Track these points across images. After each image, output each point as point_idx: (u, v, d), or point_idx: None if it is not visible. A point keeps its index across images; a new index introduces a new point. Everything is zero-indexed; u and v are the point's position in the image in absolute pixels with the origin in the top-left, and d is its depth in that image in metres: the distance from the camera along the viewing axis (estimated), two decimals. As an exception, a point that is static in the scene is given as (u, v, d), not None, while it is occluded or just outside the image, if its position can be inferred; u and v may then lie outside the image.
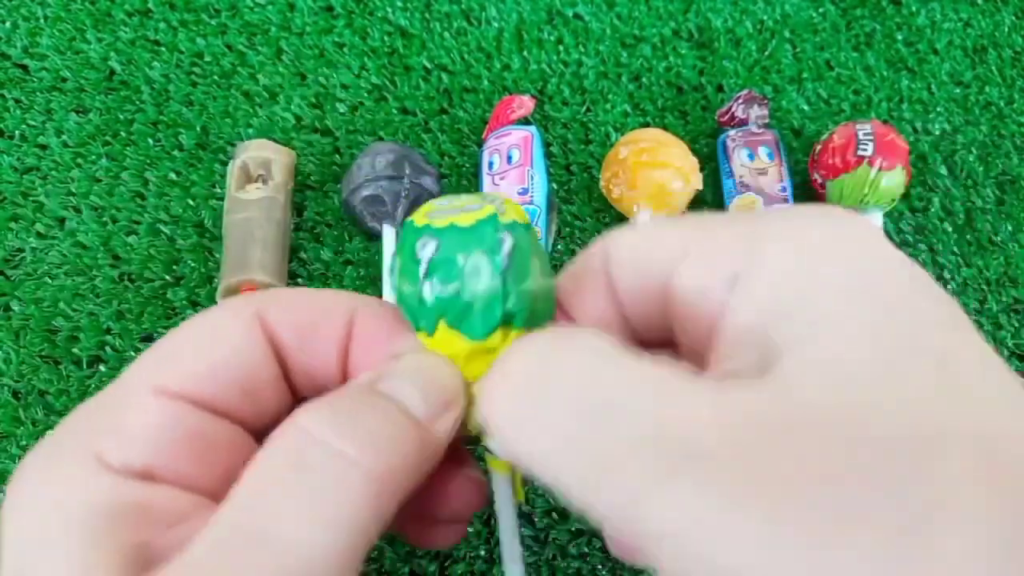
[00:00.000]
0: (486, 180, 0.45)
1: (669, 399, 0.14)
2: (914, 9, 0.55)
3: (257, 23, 0.52)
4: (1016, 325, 0.44)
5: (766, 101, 0.47)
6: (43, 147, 0.47)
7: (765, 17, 0.54)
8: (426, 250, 0.17)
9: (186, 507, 0.16)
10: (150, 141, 0.47)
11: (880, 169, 0.42)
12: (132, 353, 0.41)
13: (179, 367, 0.17)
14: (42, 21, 0.51)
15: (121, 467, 0.16)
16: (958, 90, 0.52)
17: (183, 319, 0.42)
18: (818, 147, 0.45)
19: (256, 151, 0.43)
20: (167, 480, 0.16)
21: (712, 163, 0.48)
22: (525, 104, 0.47)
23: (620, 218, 0.46)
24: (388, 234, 0.42)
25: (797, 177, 0.47)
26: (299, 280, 0.43)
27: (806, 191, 0.46)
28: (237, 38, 0.51)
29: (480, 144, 0.48)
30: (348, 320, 0.18)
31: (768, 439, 0.13)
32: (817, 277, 0.15)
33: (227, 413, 0.17)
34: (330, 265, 0.44)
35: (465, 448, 0.20)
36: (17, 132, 0.47)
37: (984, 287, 0.45)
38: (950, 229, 0.47)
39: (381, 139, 0.48)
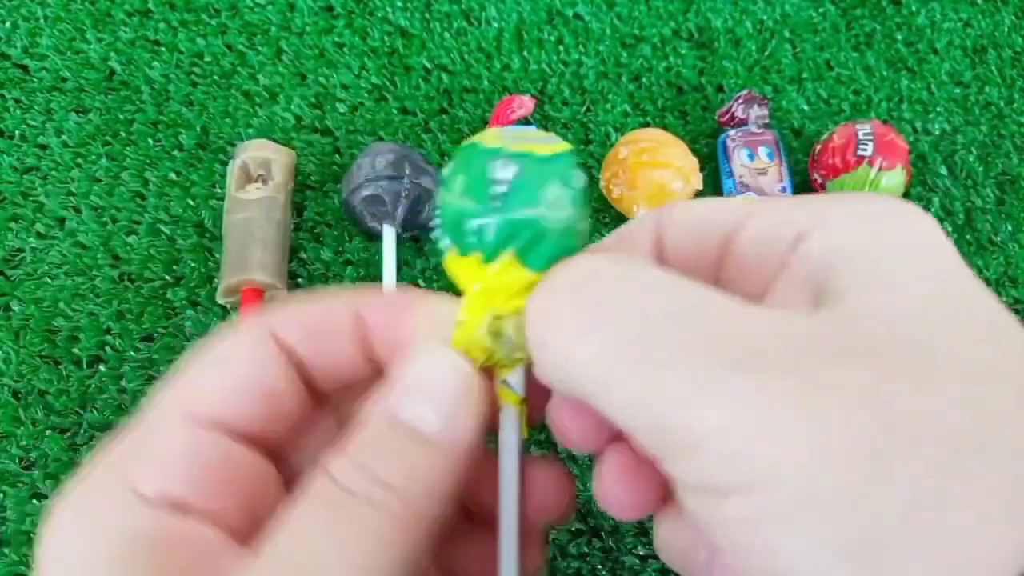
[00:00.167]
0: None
1: (728, 309, 0.14)
2: (914, 9, 0.55)
3: (257, 23, 0.52)
4: (1016, 325, 0.44)
5: (766, 101, 0.47)
6: (43, 147, 0.47)
7: (765, 17, 0.54)
8: (506, 171, 0.17)
9: (212, 541, 0.16)
10: (150, 141, 0.47)
11: (880, 169, 0.42)
12: (132, 353, 0.41)
13: (204, 392, 0.17)
14: (42, 21, 0.51)
15: (156, 498, 0.16)
16: (958, 90, 0.52)
17: (183, 319, 0.42)
18: (818, 147, 0.45)
19: (256, 151, 0.43)
20: (196, 511, 0.16)
21: (712, 163, 0.48)
22: (525, 104, 0.47)
23: (620, 218, 0.46)
24: (388, 234, 0.42)
25: (797, 177, 0.47)
26: (299, 280, 0.43)
27: (806, 191, 0.46)
28: (237, 38, 0.51)
29: (480, 144, 0.48)
30: (353, 312, 0.19)
31: (829, 354, 0.13)
32: (880, 237, 0.15)
33: (252, 433, 0.18)
34: (330, 265, 0.44)
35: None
36: (17, 132, 0.47)
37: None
38: (950, 229, 0.47)
39: (381, 139, 0.48)
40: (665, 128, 0.49)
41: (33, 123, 0.47)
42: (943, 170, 0.49)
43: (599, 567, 0.37)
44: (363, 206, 0.42)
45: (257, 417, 0.18)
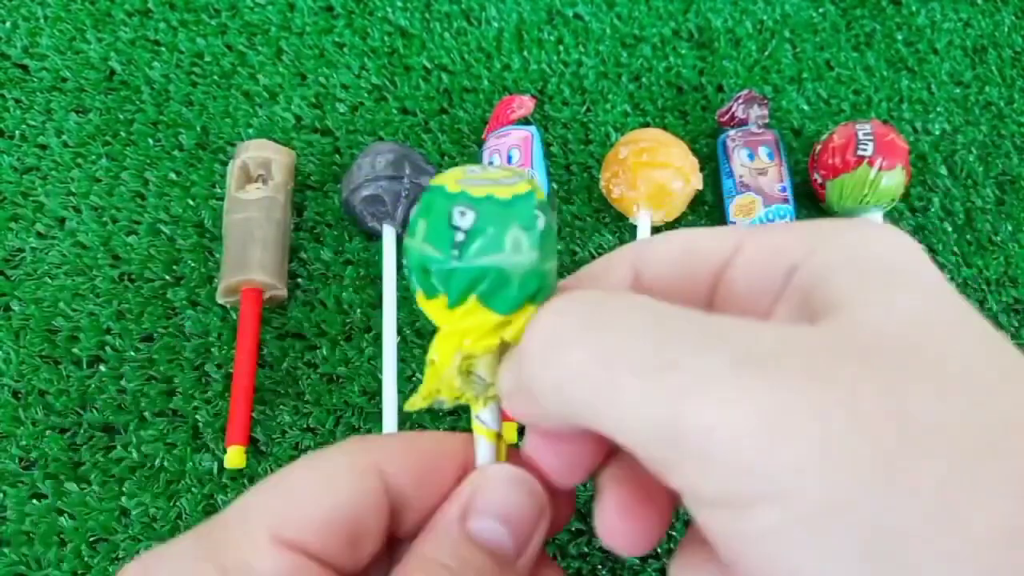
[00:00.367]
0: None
1: (728, 321, 0.14)
2: (914, 9, 0.55)
3: (257, 23, 0.52)
4: (1016, 325, 0.44)
5: (766, 101, 0.47)
6: (43, 147, 0.47)
7: (765, 17, 0.54)
8: (465, 219, 0.17)
9: None
10: (150, 141, 0.47)
11: (880, 169, 0.42)
12: (132, 353, 0.41)
13: (297, 514, 0.17)
14: (42, 21, 0.51)
15: None
16: (958, 90, 0.52)
17: (183, 319, 0.42)
18: (818, 147, 0.45)
19: (256, 151, 0.43)
20: None
21: (712, 163, 0.48)
22: (525, 104, 0.47)
23: (620, 218, 0.46)
24: (388, 234, 0.42)
25: (797, 177, 0.47)
26: (299, 280, 0.43)
27: (806, 191, 0.46)
28: (237, 38, 0.51)
29: (480, 144, 0.48)
30: (465, 463, 0.19)
31: (836, 357, 0.13)
32: (869, 258, 0.15)
33: (328, 561, 0.17)
34: (330, 265, 0.44)
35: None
36: (17, 132, 0.47)
37: (984, 287, 0.45)
38: (950, 229, 0.47)
39: (381, 139, 0.48)
40: (665, 128, 0.49)
41: (33, 123, 0.47)
42: (943, 170, 0.49)
43: (599, 567, 0.37)
44: (363, 206, 0.42)
45: (341, 553, 0.17)
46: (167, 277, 0.43)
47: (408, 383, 0.41)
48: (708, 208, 0.47)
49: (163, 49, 0.50)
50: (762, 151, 0.45)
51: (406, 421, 0.39)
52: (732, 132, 0.46)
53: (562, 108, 0.50)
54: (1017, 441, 0.12)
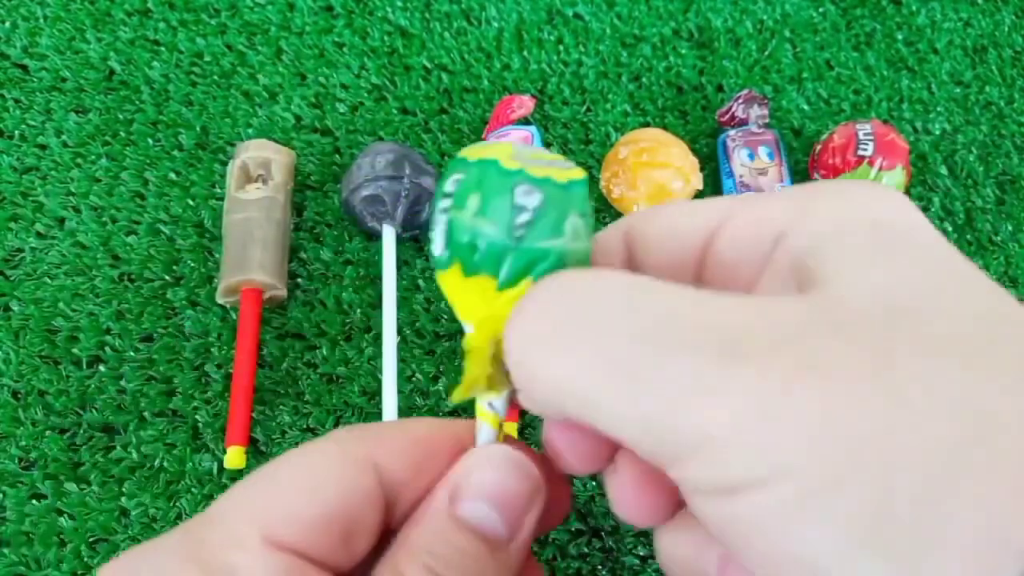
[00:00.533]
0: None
1: (711, 302, 0.14)
2: (914, 9, 0.55)
3: (257, 23, 0.52)
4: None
5: (766, 101, 0.47)
6: (43, 147, 0.47)
7: (765, 17, 0.54)
8: (531, 198, 0.16)
9: None
10: (150, 141, 0.47)
11: (880, 169, 0.42)
12: (132, 353, 0.41)
13: (285, 512, 0.16)
14: (42, 21, 0.51)
15: None
16: (958, 90, 0.52)
17: (183, 319, 0.42)
18: (818, 147, 0.45)
19: (256, 151, 0.43)
20: None
21: (712, 163, 0.48)
22: (525, 104, 0.47)
23: (619, 218, 0.46)
24: (388, 234, 0.42)
25: (797, 177, 0.47)
26: (299, 280, 0.43)
27: (806, 191, 0.46)
28: (237, 38, 0.51)
29: (480, 144, 0.48)
30: (459, 449, 0.18)
31: (822, 332, 0.13)
32: (862, 222, 0.15)
33: (321, 560, 0.17)
34: (330, 265, 0.44)
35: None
36: (17, 132, 0.47)
37: (984, 287, 0.45)
38: (950, 229, 0.47)
39: (381, 139, 0.48)
40: (665, 128, 0.49)
41: (33, 123, 0.47)
42: (943, 170, 0.49)
43: (599, 567, 0.37)
44: (363, 206, 0.42)
45: (334, 551, 0.17)
46: (167, 277, 0.43)
47: (408, 383, 0.41)
48: (708, 208, 0.47)
49: (163, 49, 0.50)
50: (762, 151, 0.45)
51: (406, 421, 0.39)
52: (732, 132, 0.46)
53: (562, 108, 0.50)
54: (1009, 414, 0.12)
